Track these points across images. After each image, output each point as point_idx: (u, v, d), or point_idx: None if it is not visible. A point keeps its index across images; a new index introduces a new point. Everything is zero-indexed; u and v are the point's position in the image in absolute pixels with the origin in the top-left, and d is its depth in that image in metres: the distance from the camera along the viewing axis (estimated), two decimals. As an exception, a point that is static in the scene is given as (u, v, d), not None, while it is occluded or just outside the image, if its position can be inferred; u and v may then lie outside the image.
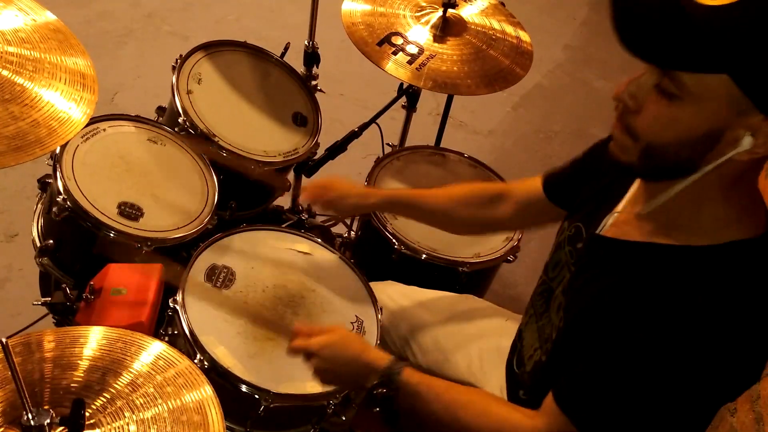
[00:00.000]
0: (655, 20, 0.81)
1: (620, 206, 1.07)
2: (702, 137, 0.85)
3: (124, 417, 0.93)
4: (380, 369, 1.13)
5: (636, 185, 1.06)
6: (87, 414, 0.92)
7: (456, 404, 1.09)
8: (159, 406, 0.95)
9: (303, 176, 1.97)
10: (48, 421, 0.87)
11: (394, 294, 1.57)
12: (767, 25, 0.76)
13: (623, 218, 1.04)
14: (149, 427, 0.93)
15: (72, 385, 0.97)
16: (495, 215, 1.42)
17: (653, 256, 0.95)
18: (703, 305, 0.88)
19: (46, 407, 0.89)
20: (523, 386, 1.24)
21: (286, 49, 1.96)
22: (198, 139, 1.66)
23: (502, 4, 1.98)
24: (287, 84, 1.94)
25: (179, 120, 1.66)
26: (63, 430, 0.90)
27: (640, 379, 0.91)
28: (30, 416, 0.86)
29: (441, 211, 1.46)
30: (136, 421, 0.93)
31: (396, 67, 1.71)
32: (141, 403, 0.95)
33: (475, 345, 1.45)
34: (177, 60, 1.75)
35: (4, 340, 0.83)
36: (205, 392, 0.99)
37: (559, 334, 1.10)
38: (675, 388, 0.90)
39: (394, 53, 1.74)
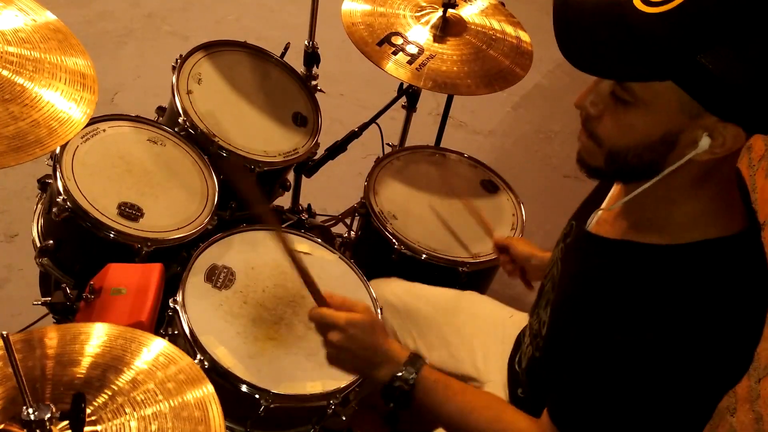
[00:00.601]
0: (597, 32, 0.82)
1: (604, 204, 1.09)
2: (659, 141, 0.86)
3: (125, 414, 0.94)
4: (401, 361, 1.09)
5: (615, 185, 1.09)
6: (88, 411, 0.93)
7: (470, 407, 1.08)
8: (160, 403, 0.96)
9: (303, 176, 1.97)
10: (48, 415, 0.87)
11: (397, 290, 1.57)
12: (705, 30, 0.77)
13: (604, 216, 1.06)
14: (150, 424, 0.93)
15: (73, 381, 0.98)
16: None
17: (629, 254, 0.97)
18: (678, 303, 0.88)
19: (46, 402, 0.89)
20: (521, 384, 1.25)
21: (286, 49, 1.95)
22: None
23: (502, 4, 1.98)
24: (287, 84, 1.94)
25: (179, 120, 1.66)
26: (64, 425, 0.91)
27: (623, 386, 0.92)
28: (30, 411, 0.86)
29: None
30: (137, 417, 0.93)
31: (396, 67, 1.71)
32: (142, 400, 0.96)
33: (480, 341, 1.45)
34: (177, 60, 1.75)
35: (4, 333, 0.83)
36: (205, 388, 0.99)
37: (547, 330, 1.11)
38: (657, 392, 0.90)
39: (394, 53, 1.74)
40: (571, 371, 0.99)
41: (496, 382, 1.36)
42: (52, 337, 1.03)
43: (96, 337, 1.04)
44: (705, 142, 0.83)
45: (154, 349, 1.04)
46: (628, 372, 0.90)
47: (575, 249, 1.11)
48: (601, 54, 0.82)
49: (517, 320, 1.47)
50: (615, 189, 1.08)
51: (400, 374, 1.08)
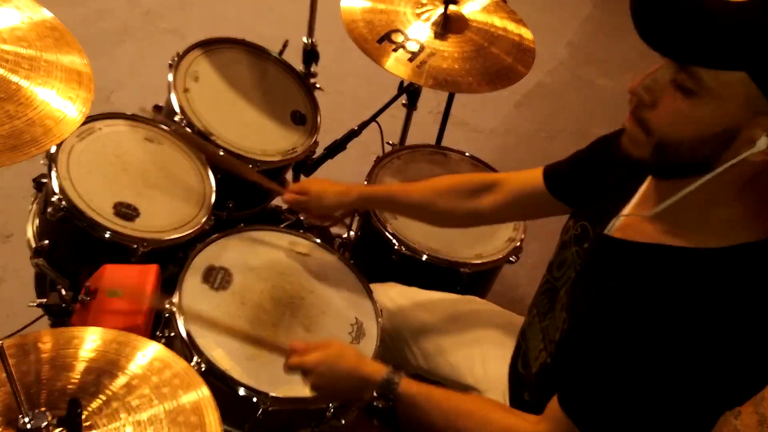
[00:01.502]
0: (675, 14, 0.80)
1: (629, 206, 1.05)
2: (718, 135, 0.84)
3: (120, 419, 0.93)
4: (377, 381, 1.13)
5: (646, 184, 1.05)
6: (83, 416, 0.92)
7: (456, 413, 1.08)
8: (155, 408, 0.95)
9: (302, 175, 1.96)
10: (45, 423, 0.87)
11: (394, 296, 1.56)
12: None
13: (632, 218, 1.03)
14: (145, 429, 0.92)
15: (68, 386, 0.97)
16: (482, 205, 1.38)
17: (662, 258, 0.94)
18: (713, 308, 0.86)
19: (42, 409, 0.89)
20: (528, 387, 1.23)
21: (284, 46, 1.94)
22: (196, 138, 1.64)
23: (504, 1, 1.96)
24: (286, 82, 1.92)
25: (176, 119, 1.65)
26: (61, 431, 0.90)
27: (646, 383, 0.90)
28: (27, 419, 0.87)
29: (423, 204, 1.43)
30: (133, 422, 0.93)
31: (396, 65, 1.70)
32: (137, 405, 0.95)
33: (477, 347, 1.44)
34: (174, 58, 1.74)
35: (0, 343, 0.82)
36: (201, 393, 0.98)
37: (563, 335, 1.09)
38: (681, 393, 0.89)
39: (395, 50, 1.72)
40: (593, 366, 0.96)
41: (496, 389, 1.34)
42: (46, 341, 1.02)
43: (90, 341, 1.03)
44: (763, 141, 0.82)
45: (149, 353, 1.03)
46: (660, 372, 0.89)
47: (598, 254, 1.07)
48: (677, 37, 0.81)
49: (516, 325, 1.45)
50: (646, 188, 1.04)
51: (378, 394, 1.11)
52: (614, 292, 0.97)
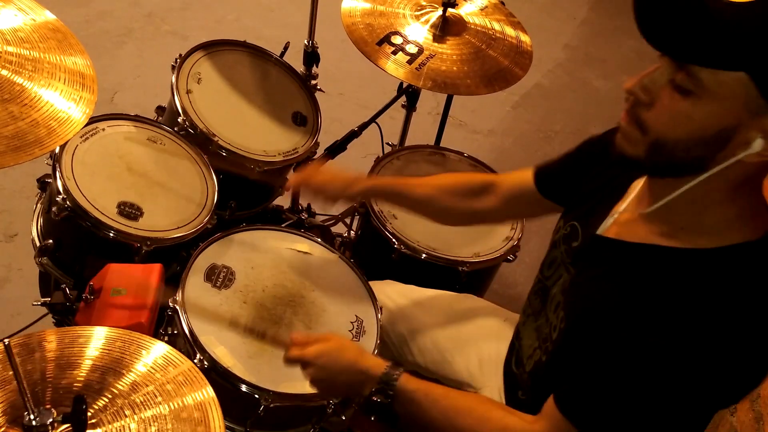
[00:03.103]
0: (677, 12, 0.80)
1: (622, 205, 1.06)
2: (714, 136, 0.84)
3: (125, 416, 0.94)
4: (376, 376, 1.11)
5: (640, 184, 1.05)
6: (89, 414, 0.92)
7: (454, 410, 1.07)
8: (159, 405, 0.96)
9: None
10: (50, 420, 0.87)
11: (392, 293, 1.56)
12: None
13: (625, 218, 1.03)
14: (150, 426, 0.93)
15: (73, 385, 0.97)
16: (480, 206, 1.40)
17: (656, 258, 0.94)
18: (708, 308, 0.87)
19: (47, 407, 0.89)
20: (522, 387, 1.24)
21: (285, 48, 1.95)
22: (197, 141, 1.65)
23: (502, 3, 1.98)
24: (287, 83, 1.94)
25: (179, 120, 1.66)
26: (67, 428, 0.90)
27: (643, 383, 0.91)
28: (32, 416, 0.86)
29: (426, 200, 1.44)
30: (137, 420, 0.93)
31: (396, 67, 1.71)
32: (141, 402, 0.96)
33: (474, 345, 1.44)
34: (176, 59, 1.75)
35: (6, 341, 0.83)
36: (205, 390, 0.99)
37: (560, 334, 1.09)
38: (677, 392, 0.89)
39: (394, 53, 1.74)
40: (590, 366, 0.97)
41: (491, 387, 1.35)
42: (51, 340, 1.03)
43: (95, 339, 1.04)
44: (758, 143, 0.82)
45: (153, 351, 1.03)
46: (657, 372, 0.89)
47: (589, 253, 1.07)
48: (678, 35, 0.81)
49: (512, 323, 1.46)
50: (640, 188, 1.04)
51: (376, 389, 1.09)
52: (609, 292, 0.98)
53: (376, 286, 1.55)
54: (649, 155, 0.90)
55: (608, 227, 1.05)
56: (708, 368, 0.87)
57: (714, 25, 0.78)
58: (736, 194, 0.89)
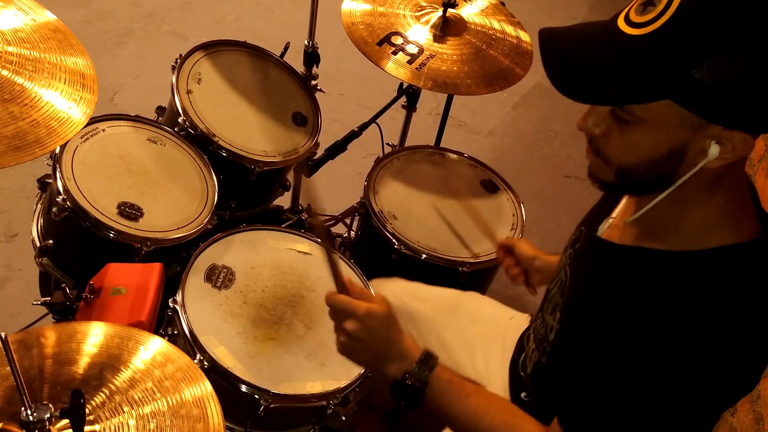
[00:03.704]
0: (587, 61, 0.83)
1: (615, 211, 1.08)
2: (665, 156, 0.87)
3: (123, 412, 0.94)
4: (414, 358, 1.06)
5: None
6: (86, 410, 0.92)
7: (484, 409, 1.05)
8: (158, 401, 0.96)
9: (303, 176, 1.97)
10: (47, 415, 0.87)
11: (397, 290, 1.56)
12: (694, 44, 0.77)
13: (616, 223, 1.06)
14: (148, 422, 0.93)
15: (71, 381, 0.98)
16: None
17: (641, 260, 0.96)
18: (691, 311, 0.87)
19: (45, 402, 0.89)
20: (525, 388, 1.24)
21: (285, 48, 1.95)
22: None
23: (502, 3, 1.98)
24: (287, 84, 1.94)
25: (179, 120, 1.66)
26: (63, 423, 0.91)
27: (634, 388, 0.91)
28: (29, 412, 0.86)
29: None
30: (135, 416, 0.94)
31: (396, 67, 1.71)
32: (140, 398, 0.96)
33: (480, 343, 1.45)
34: (177, 60, 1.75)
35: (3, 334, 0.82)
36: (203, 386, 0.99)
37: (556, 336, 1.10)
38: (670, 397, 0.89)
39: (394, 53, 1.74)
40: (582, 377, 0.97)
41: (496, 385, 1.35)
42: (49, 336, 1.03)
43: (93, 335, 1.04)
44: (714, 149, 0.83)
45: (151, 347, 1.04)
46: (641, 378, 0.89)
47: (585, 255, 1.10)
48: (594, 82, 0.83)
49: (517, 322, 1.46)
50: (627, 198, 1.08)
51: (412, 372, 1.05)
52: (599, 294, 0.99)
53: (381, 283, 1.55)
54: (618, 180, 0.93)
55: (604, 230, 1.07)
56: (696, 372, 0.87)
57: (625, 62, 0.80)
58: (712, 196, 0.90)
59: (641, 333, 0.90)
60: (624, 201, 1.08)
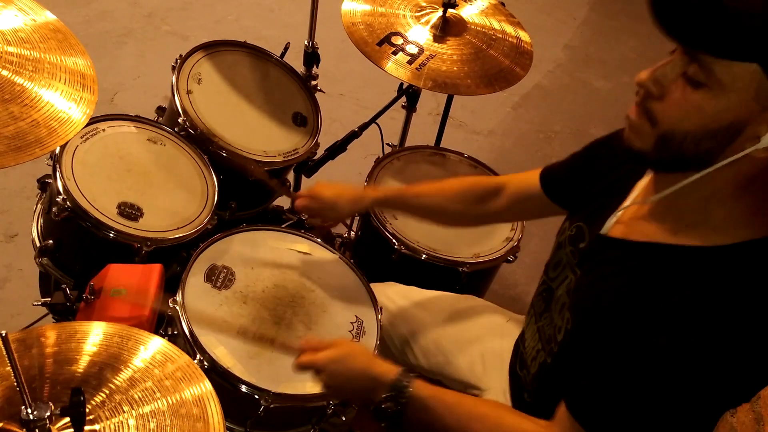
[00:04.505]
0: (693, 4, 0.80)
1: (627, 202, 1.05)
2: (724, 128, 0.84)
3: (123, 412, 0.94)
4: (389, 382, 1.09)
5: (644, 182, 1.05)
6: (87, 409, 0.92)
7: (469, 417, 1.05)
8: (158, 401, 0.96)
9: (303, 176, 1.97)
10: (48, 413, 0.87)
11: (393, 295, 1.56)
12: None
13: (629, 216, 1.03)
14: (148, 421, 0.93)
15: (71, 380, 0.97)
16: (489, 210, 1.42)
17: (662, 256, 0.94)
18: (716, 307, 0.86)
19: (45, 401, 0.88)
20: (528, 389, 1.24)
21: (285, 49, 1.96)
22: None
23: (502, 4, 1.98)
24: (287, 84, 1.94)
25: (179, 120, 1.66)
26: (64, 422, 0.90)
27: (652, 383, 0.90)
28: (29, 411, 0.86)
29: (435, 208, 1.47)
30: (135, 415, 0.94)
31: (396, 67, 1.71)
32: (139, 398, 0.96)
33: (477, 346, 1.44)
34: (177, 60, 1.75)
35: (3, 332, 0.82)
36: (203, 386, 0.99)
37: (566, 335, 1.09)
38: (686, 392, 0.88)
39: (394, 53, 1.74)
40: (599, 368, 0.96)
41: (496, 388, 1.35)
42: (49, 335, 1.03)
43: (93, 335, 1.04)
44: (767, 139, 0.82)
45: (151, 347, 1.04)
46: (667, 372, 0.88)
47: (595, 253, 1.07)
48: (693, 23, 0.80)
49: (514, 324, 1.46)
50: (646, 184, 1.04)
51: (388, 395, 1.08)
52: (616, 291, 0.97)
53: (377, 287, 1.55)
54: (657, 148, 0.90)
55: (612, 226, 1.04)
56: (717, 367, 0.87)
57: (727, 14, 0.78)
58: (743, 191, 0.88)
59: (667, 329, 0.88)
60: (637, 190, 1.05)
